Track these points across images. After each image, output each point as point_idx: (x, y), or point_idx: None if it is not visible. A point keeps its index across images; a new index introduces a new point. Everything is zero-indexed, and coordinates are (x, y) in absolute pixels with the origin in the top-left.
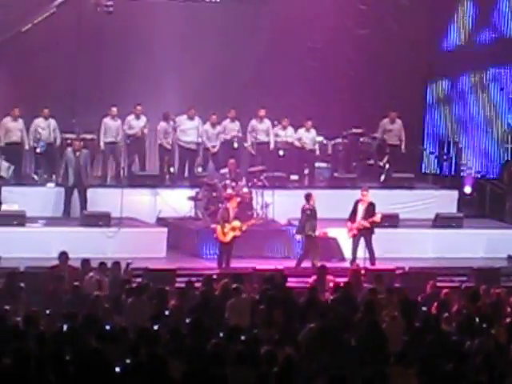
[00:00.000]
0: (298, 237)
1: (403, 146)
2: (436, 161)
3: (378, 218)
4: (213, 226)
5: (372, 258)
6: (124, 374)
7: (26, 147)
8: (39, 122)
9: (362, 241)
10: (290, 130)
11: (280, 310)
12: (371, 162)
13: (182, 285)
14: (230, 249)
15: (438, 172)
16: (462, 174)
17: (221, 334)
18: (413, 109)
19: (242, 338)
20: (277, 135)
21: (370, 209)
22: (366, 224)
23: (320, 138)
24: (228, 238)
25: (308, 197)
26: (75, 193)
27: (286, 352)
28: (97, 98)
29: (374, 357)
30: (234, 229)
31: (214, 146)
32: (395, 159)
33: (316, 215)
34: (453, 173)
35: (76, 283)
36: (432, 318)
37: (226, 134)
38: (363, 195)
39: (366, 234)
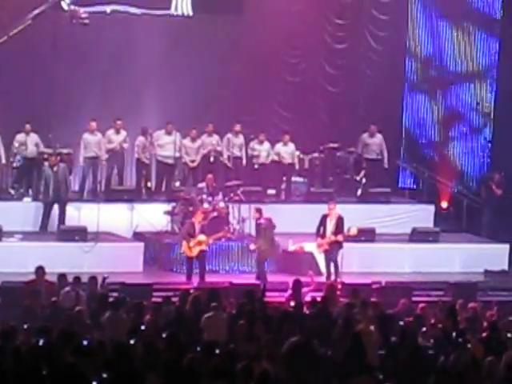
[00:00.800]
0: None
1: (385, 161)
2: (412, 175)
3: (353, 231)
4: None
5: (336, 272)
6: None
7: (3, 161)
8: (19, 137)
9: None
10: (267, 144)
11: (259, 324)
12: (348, 176)
13: (159, 299)
14: (201, 263)
15: (415, 187)
16: (438, 188)
17: (197, 349)
18: (390, 123)
19: (218, 352)
20: (253, 149)
21: (340, 223)
22: (340, 239)
23: (297, 152)
24: (194, 253)
25: (260, 211)
26: (55, 207)
27: (263, 366)
28: (73, 112)
29: (356, 370)
30: (200, 243)
31: (192, 161)
32: (373, 174)
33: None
34: (429, 187)
35: (54, 298)
36: (408, 333)
37: (203, 149)
38: (330, 209)
39: (333, 247)
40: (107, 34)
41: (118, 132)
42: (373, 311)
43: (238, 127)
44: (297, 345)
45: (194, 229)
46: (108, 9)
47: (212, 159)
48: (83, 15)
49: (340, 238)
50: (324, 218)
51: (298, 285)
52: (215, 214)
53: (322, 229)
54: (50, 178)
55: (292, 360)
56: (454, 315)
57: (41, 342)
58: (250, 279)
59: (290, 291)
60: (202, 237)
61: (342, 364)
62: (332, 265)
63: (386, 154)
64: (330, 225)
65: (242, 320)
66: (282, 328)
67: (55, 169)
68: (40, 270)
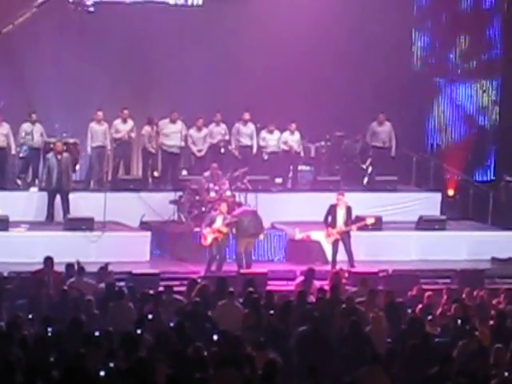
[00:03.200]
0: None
1: (393, 149)
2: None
3: (370, 221)
4: (196, 230)
5: (351, 261)
6: (108, 378)
7: (13, 152)
8: (25, 126)
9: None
10: (277, 133)
11: (265, 312)
12: (354, 164)
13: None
14: (219, 253)
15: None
16: (445, 176)
17: (204, 338)
18: (396, 111)
19: (225, 341)
20: (263, 139)
21: (349, 213)
22: (354, 229)
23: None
24: (208, 242)
25: None
26: (57, 197)
27: (270, 355)
28: (80, 102)
29: (357, 358)
30: (213, 231)
31: (199, 150)
32: (380, 162)
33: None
34: (435, 175)
35: (65, 287)
36: (417, 321)
37: (212, 138)
38: (339, 199)
39: (345, 237)
40: (114, 22)
41: (125, 121)
42: (384, 299)
43: (247, 115)
44: (306, 334)
45: (213, 220)
46: None
47: (223, 150)
48: (88, 2)
49: (354, 228)
50: (332, 207)
51: (310, 273)
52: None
53: (330, 218)
54: (54, 166)
55: (302, 349)
56: (462, 303)
57: (49, 332)
58: (258, 268)
59: (301, 278)
60: (217, 225)
61: (347, 353)
62: (345, 254)
63: (394, 143)
64: (341, 215)
65: (247, 309)
66: (287, 317)
67: (59, 157)
68: (48, 261)
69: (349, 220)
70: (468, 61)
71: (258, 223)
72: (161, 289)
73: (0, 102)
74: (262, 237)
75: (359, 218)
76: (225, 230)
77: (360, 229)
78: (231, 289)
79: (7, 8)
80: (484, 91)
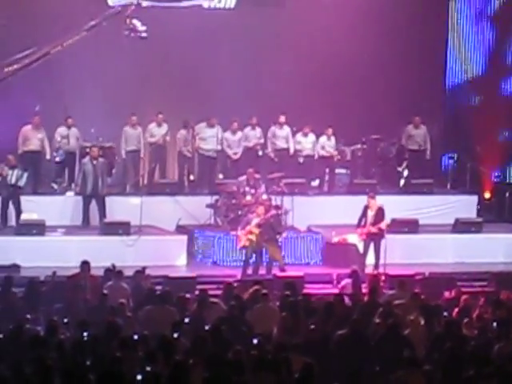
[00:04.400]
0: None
1: (428, 152)
2: (455, 166)
3: (383, 225)
4: (233, 233)
5: (377, 263)
6: (145, 382)
7: (48, 157)
8: (61, 130)
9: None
10: (312, 136)
11: (302, 316)
12: (390, 167)
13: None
14: (254, 255)
15: (458, 177)
16: (481, 178)
17: (242, 342)
18: (432, 113)
19: (262, 344)
20: (298, 142)
21: (380, 214)
22: (374, 230)
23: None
24: (242, 243)
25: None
26: (93, 201)
27: (306, 359)
28: (116, 106)
29: (396, 361)
30: (246, 233)
31: (235, 153)
32: (416, 165)
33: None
34: (472, 178)
35: (105, 291)
36: (453, 324)
37: (247, 142)
38: (369, 200)
39: (375, 238)
40: (149, 27)
41: (159, 125)
42: (420, 302)
43: (282, 118)
44: (345, 337)
45: (249, 222)
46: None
47: (260, 153)
48: (141, 28)
49: (373, 229)
50: (365, 208)
51: (356, 275)
52: (275, 211)
53: (363, 220)
54: (90, 171)
55: (341, 353)
56: (499, 305)
57: (85, 336)
58: (294, 271)
59: (346, 281)
60: (252, 227)
61: (385, 356)
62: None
63: (428, 146)
64: (370, 216)
65: (284, 312)
66: (327, 320)
67: (95, 162)
68: (85, 265)
69: (380, 221)
70: None
71: (271, 229)
72: (196, 292)
73: (36, 105)
74: (279, 238)
75: (395, 221)
76: (256, 231)
77: (378, 231)
78: (264, 291)
79: (57, 31)
80: None
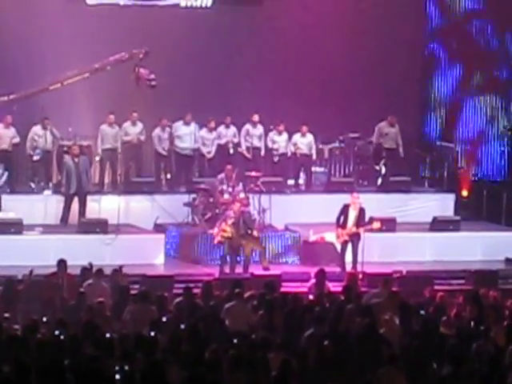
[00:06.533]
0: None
1: (401, 150)
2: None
3: (376, 225)
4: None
5: (354, 264)
6: (123, 381)
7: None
8: (36, 129)
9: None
10: (285, 135)
11: (279, 314)
12: (368, 166)
13: (180, 291)
14: (230, 254)
15: (435, 175)
16: (458, 177)
17: (218, 340)
18: (409, 111)
19: (238, 343)
20: (272, 141)
21: (362, 214)
22: (361, 231)
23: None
24: (218, 239)
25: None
26: (75, 199)
27: (283, 357)
28: (92, 105)
29: (372, 360)
30: (224, 230)
31: (209, 152)
32: (392, 163)
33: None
34: (449, 176)
35: (82, 289)
36: (430, 322)
37: (220, 140)
38: (354, 198)
39: (354, 238)
40: (123, 24)
41: (134, 124)
42: (395, 300)
43: (256, 117)
44: (321, 335)
45: (225, 219)
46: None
47: (232, 151)
48: (150, 77)
49: (361, 230)
50: (346, 207)
51: (321, 275)
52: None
53: (342, 218)
54: (72, 169)
55: (320, 352)
56: (476, 304)
57: (62, 335)
58: (272, 270)
59: (312, 281)
60: (228, 224)
61: (363, 354)
62: (352, 255)
63: (400, 143)
64: (352, 216)
65: (261, 311)
66: (303, 319)
67: (76, 160)
68: (62, 264)
69: (361, 221)
70: None
71: (244, 224)
72: (179, 291)
73: (13, 105)
74: (255, 233)
75: (371, 220)
76: (228, 229)
77: (368, 232)
78: (237, 290)
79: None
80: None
